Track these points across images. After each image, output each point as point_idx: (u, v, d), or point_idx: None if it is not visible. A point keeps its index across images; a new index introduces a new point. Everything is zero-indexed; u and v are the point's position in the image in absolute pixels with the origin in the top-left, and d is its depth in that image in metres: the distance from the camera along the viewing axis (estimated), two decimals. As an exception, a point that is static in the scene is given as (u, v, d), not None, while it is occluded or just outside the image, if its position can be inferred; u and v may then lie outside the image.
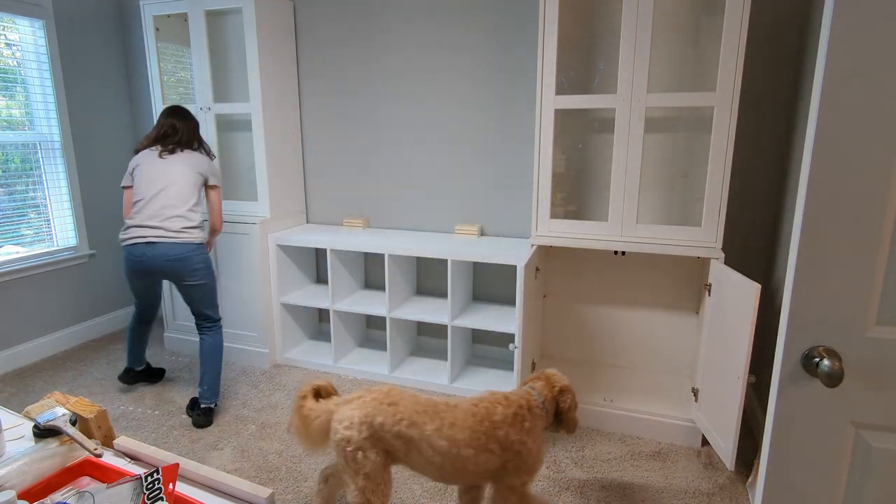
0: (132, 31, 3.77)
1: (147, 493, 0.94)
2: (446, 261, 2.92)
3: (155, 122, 3.09)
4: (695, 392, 2.46)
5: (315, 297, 3.26)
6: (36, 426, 1.11)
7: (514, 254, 2.69)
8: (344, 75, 3.27)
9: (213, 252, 3.17)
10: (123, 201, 2.66)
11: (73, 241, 3.55)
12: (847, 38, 0.86)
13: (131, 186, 2.62)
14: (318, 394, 1.72)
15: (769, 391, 1.15)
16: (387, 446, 1.57)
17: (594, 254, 2.85)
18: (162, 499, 0.93)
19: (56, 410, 1.14)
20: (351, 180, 3.41)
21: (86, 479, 1.07)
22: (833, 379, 0.92)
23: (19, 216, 3.28)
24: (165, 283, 3.40)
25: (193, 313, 2.69)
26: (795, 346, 0.98)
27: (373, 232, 3.29)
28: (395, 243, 2.94)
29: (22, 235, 3.30)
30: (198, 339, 3.38)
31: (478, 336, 3.28)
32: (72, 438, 1.10)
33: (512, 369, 3.07)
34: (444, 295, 3.28)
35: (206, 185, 2.69)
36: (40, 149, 3.35)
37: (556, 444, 2.45)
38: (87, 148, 3.61)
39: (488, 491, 1.78)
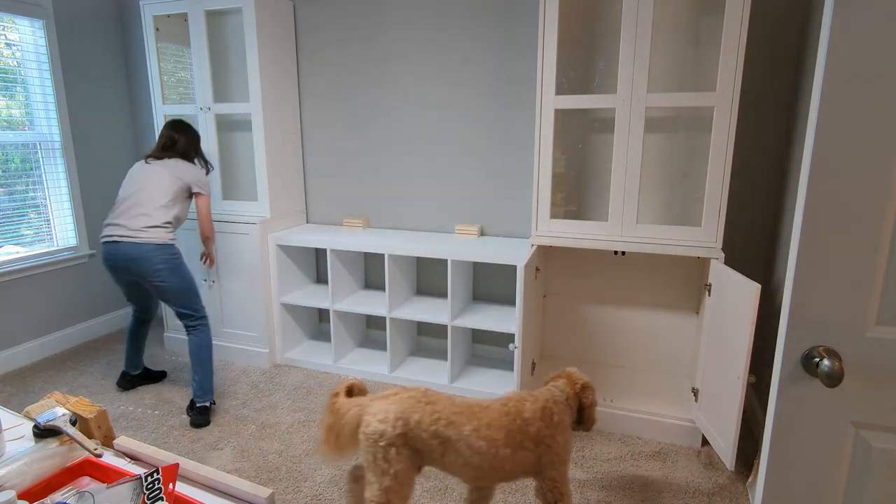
0: (132, 31, 3.77)
1: (147, 493, 0.94)
2: (446, 261, 2.92)
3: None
4: (695, 392, 2.46)
5: (315, 297, 3.26)
6: (36, 426, 1.11)
7: (514, 254, 2.69)
8: (344, 75, 3.28)
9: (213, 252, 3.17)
10: None
11: (73, 241, 3.55)
12: (847, 38, 0.86)
13: None
14: (351, 392, 1.69)
15: (769, 391, 1.15)
16: (420, 446, 1.55)
17: (594, 254, 2.85)
18: (162, 499, 0.93)
19: (56, 410, 1.14)
20: (351, 180, 3.41)
21: (86, 479, 1.07)
22: (833, 379, 0.92)
23: (19, 216, 3.28)
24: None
25: (174, 312, 2.70)
26: (795, 346, 0.98)
27: (373, 232, 3.29)
28: (395, 243, 2.94)
29: (22, 235, 3.30)
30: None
31: (478, 336, 3.28)
32: (72, 438, 1.10)
33: (512, 369, 3.08)
34: (444, 295, 3.28)
35: (193, 193, 2.71)
36: (40, 149, 3.35)
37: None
38: (87, 148, 3.61)
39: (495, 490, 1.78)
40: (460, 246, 2.85)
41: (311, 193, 3.55)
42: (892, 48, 0.85)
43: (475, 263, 3.18)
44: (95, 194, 3.66)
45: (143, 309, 2.86)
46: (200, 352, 2.66)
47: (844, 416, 0.98)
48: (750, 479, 2.15)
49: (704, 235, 2.33)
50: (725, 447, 2.08)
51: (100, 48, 3.65)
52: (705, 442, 2.42)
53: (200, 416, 2.61)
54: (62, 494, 1.01)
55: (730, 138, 2.21)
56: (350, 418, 1.58)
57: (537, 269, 2.59)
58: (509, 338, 3.18)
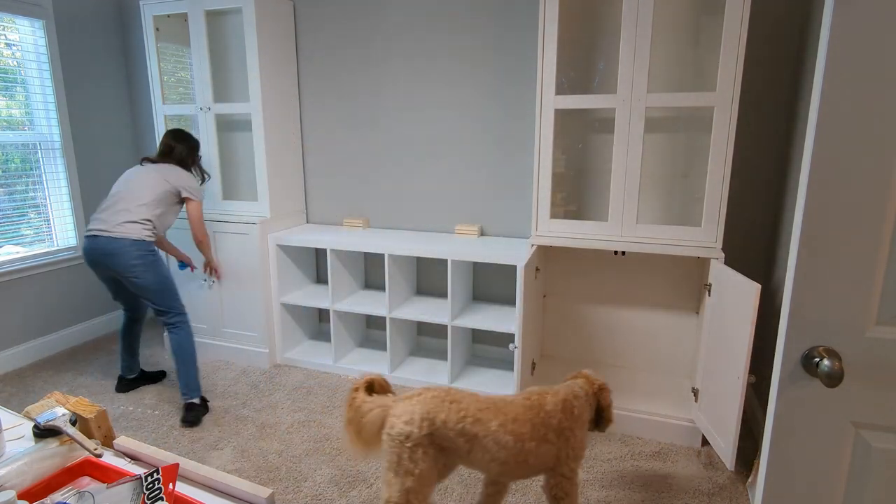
0: (132, 31, 3.77)
1: (147, 493, 0.94)
2: (446, 261, 2.92)
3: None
4: (695, 392, 2.46)
5: (315, 297, 3.26)
6: (36, 426, 1.11)
7: (514, 254, 2.69)
8: (344, 75, 3.28)
9: (213, 252, 3.17)
10: None
11: (73, 241, 3.55)
12: (847, 38, 0.86)
13: None
14: (371, 388, 1.69)
15: (769, 391, 1.15)
16: (447, 444, 1.55)
17: (594, 254, 2.85)
18: (162, 499, 0.93)
19: (56, 410, 1.14)
20: (351, 180, 3.41)
21: (86, 479, 1.07)
22: (833, 379, 0.92)
23: (19, 216, 3.28)
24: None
25: (153, 310, 2.70)
26: (795, 346, 0.98)
27: (373, 232, 3.29)
28: (395, 243, 2.94)
29: (22, 235, 3.30)
30: (197, 339, 3.40)
31: (478, 336, 3.28)
32: (72, 438, 1.10)
33: (512, 369, 3.08)
34: (444, 295, 3.28)
35: (183, 199, 2.74)
36: (40, 149, 3.35)
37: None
38: (87, 148, 3.61)
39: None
40: (460, 246, 2.85)
41: (311, 193, 3.55)
42: (892, 48, 0.85)
43: (475, 263, 3.18)
44: (95, 194, 3.66)
45: (130, 307, 2.85)
46: (181, 349, 2.65)
47: (844, 416, 0.98)
48: (750, 479, 2.15)
49: (704, 235, 2.33)
50: (725, 447, 2.08)
51: (100, 48, 3.65)
52: (705, 442, 2.42)
53: (188, 412, 2.61)
54: (62, 494, 1.01)
55: (730, 138, 2.21)
56: (372, 418, 1.58)
57: (537, 269, 2.59)
58: (509, 338, 3.18)
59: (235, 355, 3.32)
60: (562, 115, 2.69)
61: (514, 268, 3.02)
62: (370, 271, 3.45)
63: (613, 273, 2.84)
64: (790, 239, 2.07)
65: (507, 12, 2.86)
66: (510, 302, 3.14)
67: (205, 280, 3.25)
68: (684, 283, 2.72)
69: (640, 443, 2.45)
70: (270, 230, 3.18)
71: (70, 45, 3.45)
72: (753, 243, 2.68)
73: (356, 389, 1.64)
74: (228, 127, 3.46)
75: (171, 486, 0.97)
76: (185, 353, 2.66)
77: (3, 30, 3.13)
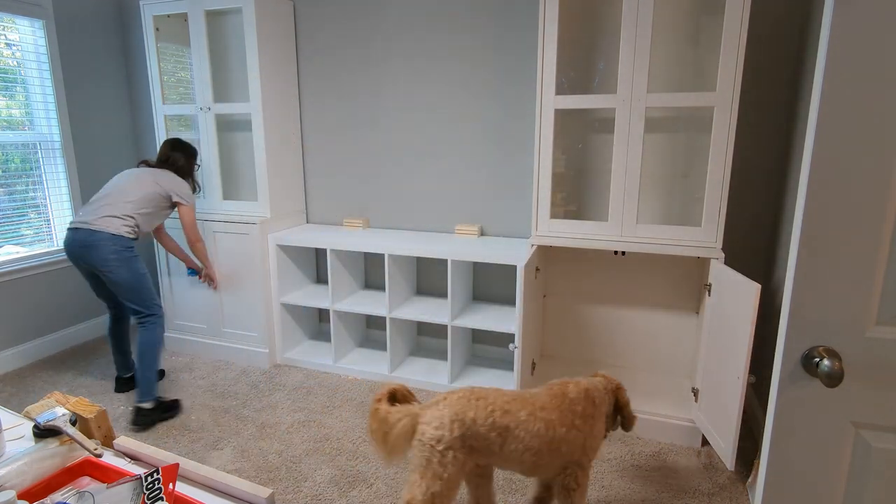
0: (132, 31, 3.77)
1: (147, 493, 0.94)
2: (446, 261, 2.92)
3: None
4: (695, 392, 2.46)
5: (315, 297, 3.26)
6: (36, 426, 1.11)
7: (514, 254, 2.69)
8: (344, 75, 3.28)
9: (213, 252, 3.18)
10: None
11: (73, 241, 3.55)
12: (847, 38, 0.86)
13: None
14: (394, 397, 1.69)
15: (769, 391, 1.15)
16: (478, 443, 1.57)
17: (594, 254, 2.85)
18: (162, 499, 0.93)
19: (56, 410, 1.14)
20: (351, 180, 3.41)
21: (86, 479, 1.07)
22: (833, 379, 0.92)
23: (19, 216, 3.28)
24: (164, 283, 3.40)
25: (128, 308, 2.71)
26: (795, 346, 0.98)
27: (373, 232, 3.29)
28: (395, 243, 2.94)
29: (22, 235, 3.30)
30: (197, 339, 3.40)
31: (478, 336, 3.28)
32: (72, 438, 1.10)
33: (512, 369, 3.07)
34: (444, 295, 3.28)
35: (175, 203, 2.76)
36: (40, 149, 3.35)
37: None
38: (87, 148, 3.61)
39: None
40: (460, 246, 2.85)
41: (311, 193, 3.55)
42: (892, 48, 0.85)
43: (475, 263, 3.18)
44: (95, 194, 3.66)
45: (113, 305, 2.84)
46: (144, 349, 2.63)
47: (844, 416, 0.98)
48: (750, 479, 2.15)
49: (704, 235, 2.33)
50: (725, 447, 2.08)
51: (100, 48, 3.65)
52: (705, 442, 2.42)
53: (138, 415, 2.57)
54: (62, 494, 1.01)
55: (730, 138, 2.21)
56: (401, 429, 1.58)
57: (537, 269, 2.59)
58: (509, 338, 3.18)
59: (235, 355, 3.32)
60: (562, 115, 2.69)
61: (514, 268, 3.02)
62: (370, 271, 3.45)
63: (613, 273, 2.84)
64: (790, 239, 2.07)
65: (507, 12, 2.86)
66: (510, 302, 3.14)
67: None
68: (684, 283, 2.72)
69: (640, 443, 2.45)
70: (270, 230, 3.18)
71: (70, 45, 3.45)
72: (753, 243, 2.68)
73: (378, 400, 1.64)
74: (228, 127, 3.46)
75: (171, 486, 0.97)
76: (147, 355, 2.64)
77: (3, 30, 3.13)
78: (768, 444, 1.03)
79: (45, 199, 3.40)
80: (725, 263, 2.27)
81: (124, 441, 1.17)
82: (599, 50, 2.64)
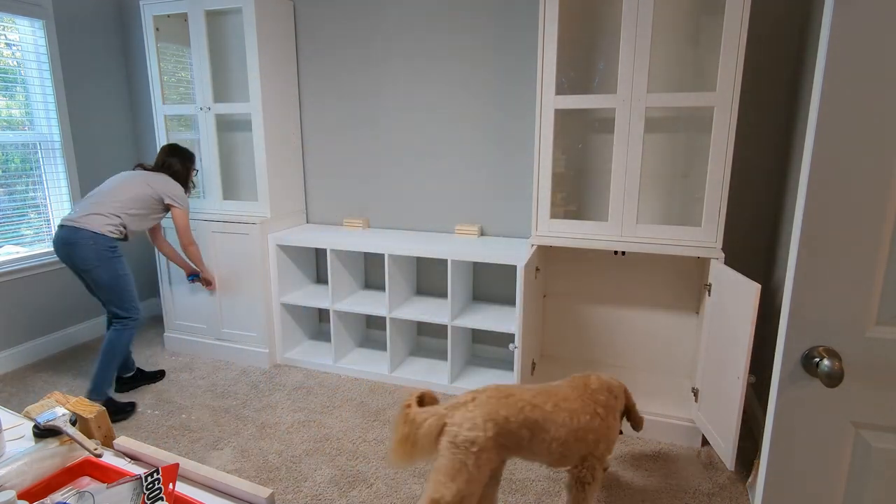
0: (132, 31, 3.77)
1: (147, 493, 0.94)
2: (446, 261, 2.92)
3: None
4: (695, 392, 2.46)
5: (315, 297, 3.26)
6: (36, 426, 1.11)
7: (514, 254, 2.69)
8: (344, 75, 3.27)
9: (214, 252, 3.17)
10: None
11: (73, 241, 3.55)
12: (847, 38, 0.86)
13: None
14: (422, 401, 1.70)
15: (769, 391, 1.15)
16: (510, 440, 1.60)
17: (594, 254, 2.85)
18: (162, 499, 0.93)
19: (56, 410, 1.14)
20: (351, 180, 3.41)
21: (86, 479, 1.07)
22: (833, 379, 0.92)
23: (19, 216, 3.28)
24: (164, 283, 3.40)
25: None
26: (795, 346, 0.98)
27: (373, 232, 3.29)
28: (395, 243, 2.94)
29: (22, 235, 3.30)
30: (197, 339, 3.40)
31: (478, 336, 3.28)
32: (72, 438, 1.10)
33: (512, 369, 3.07)
34: (444, 295, 3.28)
35: (167, 205, 2.78)
36: (40, 149, 3.35)
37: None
38: (87, 148, 3.61)
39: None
40: (460, 246, 2.85)
41: (311, 193, 3.55)
42: (892, 48, 0.85)
43: (475, 263, 3.18)
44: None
45: (104, 303, 2.85)
46: (108, 348, 2.64)
47: (844, 416, 0.98)
48: (750, 479, 2.15)
49: (704, 235, 2.33)
50: (725, 447, 2.08)
51: (100, 48, 3.65)
52: (705, 442, 2.42)
53: None
54: (62, 494, 1.01)
55: (730, 138, 2.21)
56: (428, 429, 1.59)
57: (537, 269, 2.59)
58: (509, 338, 3.18)
59: (235, 355, 3.32)
60: (562, 115, 2.69)
61: (514, 268, 3.02)
62: (370, 271, 3.45)
63: (613, 273, 2.84)
64: (790, 239, 2.07)
65: (507, 12, 2.86)
66: (510, 302, 3.14)
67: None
68: (684, 283, 2.72)
69: (639, 443, 2.45)
70: (270, 230, 3.18)
71: (70, 45, 3.45)
72: (753, 243, 2.68)
73: (408, 406, 1.65)
74: (228, 127, 3.46)
75: (171, 486, 0.97)
76: (110, 355, 2.64)
77: (3, 30, 3.13)
78: (768, 444, 1.03)
79: (45, 199, 3.40)
80: (725, 263, 2.27)
81: (124, 441, 1.17)
82: (599, 50, 2.64)
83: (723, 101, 2.19)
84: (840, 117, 0.89)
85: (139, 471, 1.03)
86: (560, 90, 2.63)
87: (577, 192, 2.84)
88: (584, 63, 2.68)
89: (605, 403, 1.74)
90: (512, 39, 2.87)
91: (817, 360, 0.95)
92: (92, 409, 1.22)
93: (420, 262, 3.31)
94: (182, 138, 3.44)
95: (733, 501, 2.06)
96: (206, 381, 3.07)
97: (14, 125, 3.23)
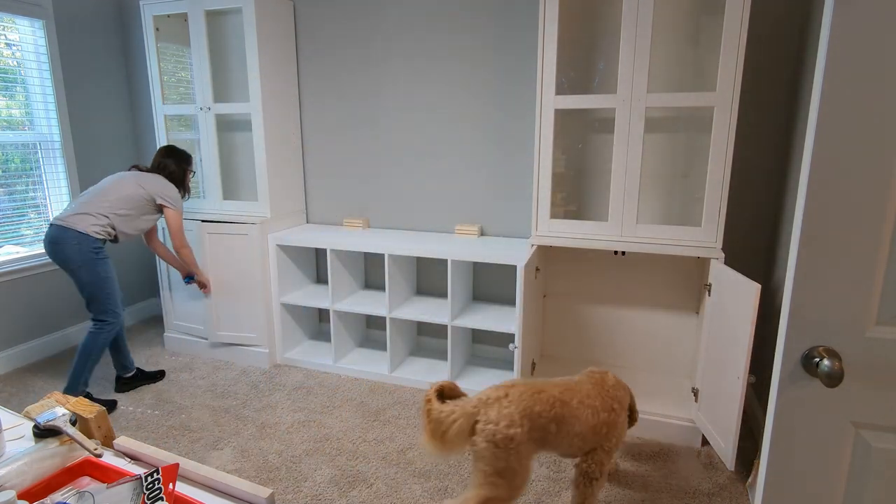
0: (132, 31, 3.77)
1: (147, 493, 0.94)
2: (446, 261, 2.92)
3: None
4: (695, 392, 2.46)
5: (315, 297, 3.26)
6: (36, 426, 1.11)
7: (514, 254, 2.69)
8: (344, 75, 3.27)
9: (214, 252, 3.17)
10: None
11: (73, 241, 3.55)
12: (847, 38, 0.86)
13: None
14: (442, 394, 1.71)
15: (769, 391, 1.15)
16: (540, 434, 1.66)
17: (594, 254, 2.85)
18: (162, 499, 0.93)
19: (56, 410, 1.14)
20: (351, 180, 3.41)
21: (86, 479, 1.07)
22: (833, 379, 0.92)
23: (19, 216, 3.28)
24: (164, 283, 3.41)
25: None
26: (795, 346, 0.98)
27: (373, 232, 3.29)
28: (395, 243, 2.94)
29: (22, 235, 3.30)
30: (197, 339, 3.40)
31: (478, 336, 3.28)
32: (72, 438, 1.10)
33: (512, 369, 3.07)
34: (444, 295, 3.28)
35: (160, 206, 2.78)
36: (40, 149, 3.35)
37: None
38: (87, 148, 3.61)
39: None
40: (460, 246, 2.85)
41: (311, 193, 3.55)
42: (892, 48, 0.85)
43: (475, 263, 3.18)
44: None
45: None
46: (84, 350, 2.65)
47: (844, 416, 0.98)
48: (750, 479, 2.15)
49: (704, 235, 2.33)
50: (725, 447, 2.08)
51: (100, 48, 3.65)
52: (705, 442, 2.42)
53: None
54: (62, 494, 1.01)
55: (730, 138, 2.21)
56: (458, 428, 1.61)
57: (537, 269, 2.59)
58: (509, 338, 3.18)
59: (235, 355, 3.32)
60: (562, 115, 2.69)
61: (514, 268, 3.02)
62: (370, 271, 3.45)
63: (613, 273, 2.84)
64: (790, 239, 2.07)
65: (507, 12, 2.86)
66: (510, 302, 3.14)
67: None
68: (684, 283, 2.72)
69: (640, 443, 2.45)
70: (270, 230, 3.18)
71: (70, 45, 3.45)
72: (753, 243, 2.68)
73: (429, 400, 1.66)
74: (228, 127, 3.46)
75: (171, 486, 0.97)
76: (84, 356, 2.65)
77: (3, 30, 3.13)
78: (768, 444, 1.03)
79: (45, 199, 3.40)
80: (725, 263, 2.27)
81: (124, 441, 1.17)
82: (599, 50, 2.64)
83: (723, 101, 2.19)
84: (840, 117, 0.89)
85: (139, 471, 1.03)
86: (560, 90, 2.63)
87: (577, 192, 2.84)
88: (584, 63, 2.68)
89: (620, 399, 1.82)
90: (512, 39, 2.87)
91: (817, 360, 0.95)
92: (92, 409, 1.22)
93: (420, 262, 3.31)
94: (182, 138, 3.44)
95: (733, 501, 2.06)
96: (206, 381, 3.07)
97: (14, 125, 3.23)
